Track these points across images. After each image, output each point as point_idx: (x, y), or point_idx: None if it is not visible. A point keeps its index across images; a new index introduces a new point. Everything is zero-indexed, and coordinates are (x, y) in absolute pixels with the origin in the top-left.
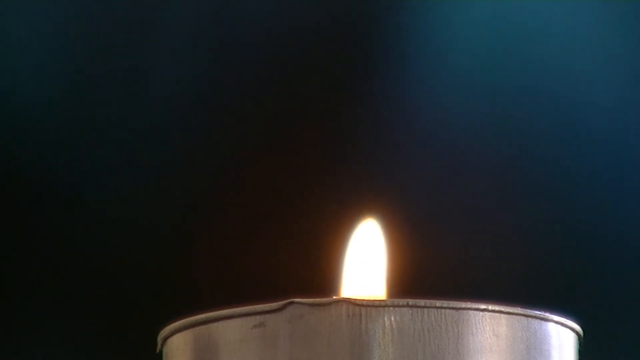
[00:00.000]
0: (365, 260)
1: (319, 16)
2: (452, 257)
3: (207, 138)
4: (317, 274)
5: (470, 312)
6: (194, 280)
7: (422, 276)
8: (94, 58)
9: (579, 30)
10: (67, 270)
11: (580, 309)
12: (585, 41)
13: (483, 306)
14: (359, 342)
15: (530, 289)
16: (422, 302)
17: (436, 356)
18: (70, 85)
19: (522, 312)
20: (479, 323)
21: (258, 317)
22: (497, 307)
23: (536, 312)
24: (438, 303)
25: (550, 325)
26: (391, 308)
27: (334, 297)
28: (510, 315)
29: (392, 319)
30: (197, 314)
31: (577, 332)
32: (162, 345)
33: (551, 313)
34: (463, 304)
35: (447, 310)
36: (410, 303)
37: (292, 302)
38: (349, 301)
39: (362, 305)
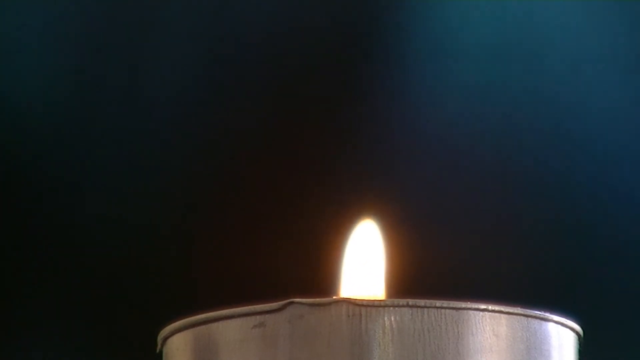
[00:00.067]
0: (365, 260)
1: (319, 16)
2: (452, 257)
3: (207, 138)
4: (317, 274)
5: (470, 312)
6: (194, 280)
7: (422, 276)
8: (94, 58)
9: (579, 30)
10: (67, 270)
11: (580, 309)
12: (585, 41)
13: (483, 306)
14: (359, 342)
15: (530, 289)
16: (422, 302)
17: (436, 356)
18: (70, 85)
19: (522, 312)
20: (479, 323)
21: (258, 317)
22: (497, 307)
23: (536, 312)
24: (438, 303)
25: (550, 325)
26: (391, 308)
27: (334, 297)
28: (510, 315)
29: (392, 319)
30: (197, 314)
31: (577, 332)
32: (162, 345)
33: (551, 313)
34: (463, 304)
35: (447, 310)
36: (410, 303)
37: (292, 302)
38: (349, 301)
39: (362, 305)
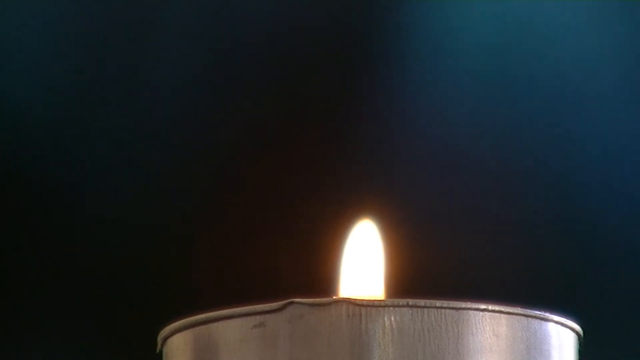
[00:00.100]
0: (364, 260)
1: (319, 16)
2: (452, 257)
3: (207, 138)
4: (317, 274)
5: (470, 312)
6: (194, 280)
7: (421, 276)
8: (93, 58)
9: (580, 29)
10: (67, 270)
11: (580, 309)
12: (585, 40)
13: (483, 306)
14: (359, 342)
15: (530, 289)
16: (422, 302)
17: (436, 356)
18: (69, 85)
19: (522, 312)
20: (479, 323)
21: (258, 317)
22: (497, 307)
23: (536, 312)
24: (438, 303)
25: (550, 325)
26: (391, 308)
27: (334, 297)
28: (510, 315)
29: (392, 319)
30: (197, 314)
31: (577, 332)
32: (162, 345)
33: (551, 313)
34: (463, 304)
35: (447, 310)
36: (410, 303)
37: (292, 302)
38: (349, 301)
39: (362, 305)
